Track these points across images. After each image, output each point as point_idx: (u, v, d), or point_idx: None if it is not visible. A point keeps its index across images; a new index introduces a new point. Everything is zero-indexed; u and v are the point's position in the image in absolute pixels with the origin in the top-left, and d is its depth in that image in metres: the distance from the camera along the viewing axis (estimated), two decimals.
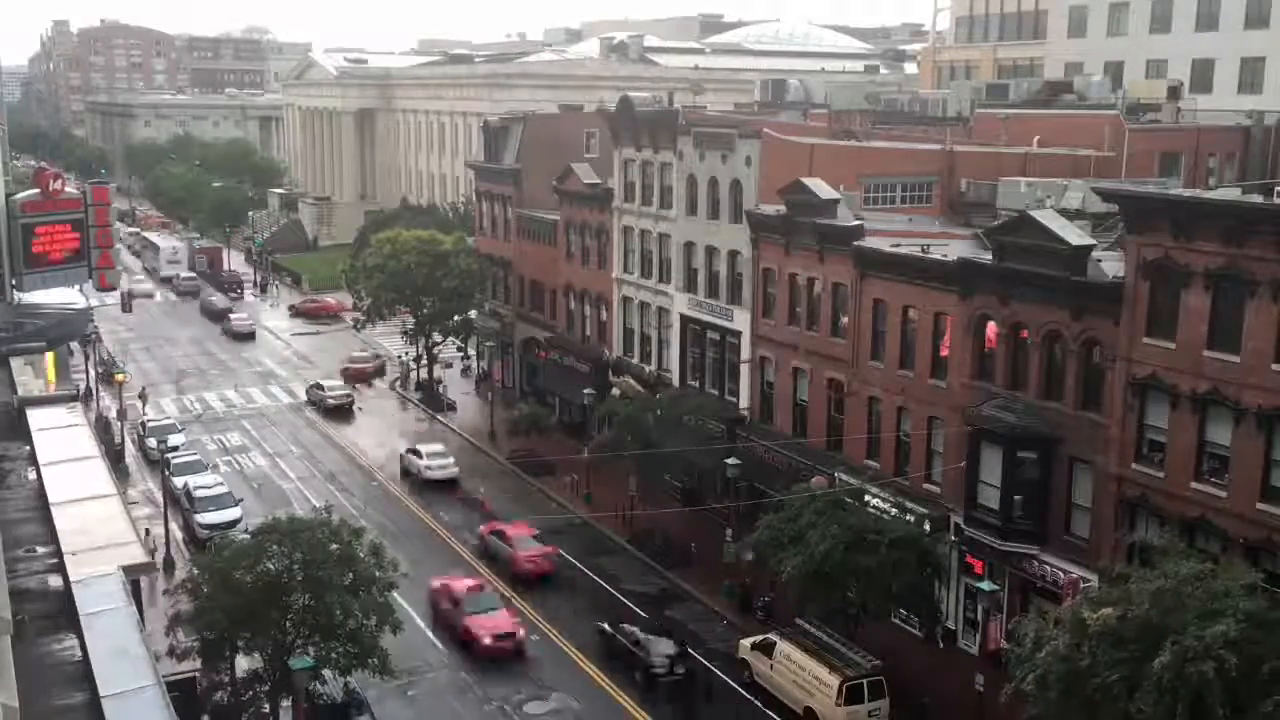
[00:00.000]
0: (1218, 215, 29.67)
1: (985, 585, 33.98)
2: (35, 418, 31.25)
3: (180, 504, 48.24)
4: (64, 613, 20.22)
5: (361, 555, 30.17)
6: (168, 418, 62.62)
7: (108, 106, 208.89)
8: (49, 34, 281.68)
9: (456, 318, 68.94)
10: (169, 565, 42.83)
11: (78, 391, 55.31)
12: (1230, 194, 33.02)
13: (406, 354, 71.81)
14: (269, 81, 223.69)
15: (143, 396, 60.33)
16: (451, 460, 55.20)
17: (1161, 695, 21.82)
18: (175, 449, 52.36)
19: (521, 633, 38.49)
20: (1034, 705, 24.48)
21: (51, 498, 25.16)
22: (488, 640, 37.62)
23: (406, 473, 55.29)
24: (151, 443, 55.61)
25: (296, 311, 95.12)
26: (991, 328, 35.89)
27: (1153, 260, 31.09)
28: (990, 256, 36.09)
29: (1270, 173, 53.58)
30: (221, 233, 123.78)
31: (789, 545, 34.74)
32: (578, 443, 54.68)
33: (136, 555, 23.37)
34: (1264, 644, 22.39)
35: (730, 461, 43.03)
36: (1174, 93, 59.30)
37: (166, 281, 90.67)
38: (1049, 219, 34.65)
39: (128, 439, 57.51)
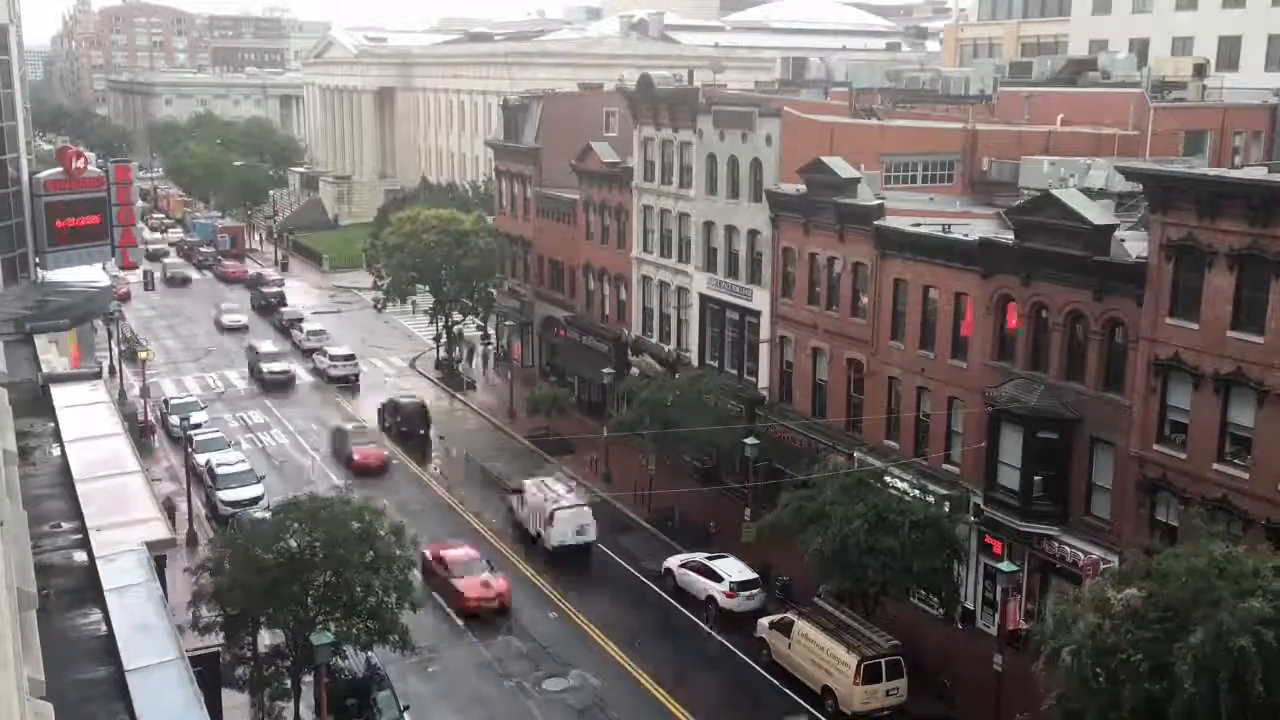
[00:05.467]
0: (1243, 194, 29.36)
1: (1004, 566, 33.89)
2: (59, 395, 31.56)
3: (203, 481, 48.62)
4: (88, 587, 20.46)
5: (382, 533, 30.37)
6: (190, 395, 63.09)
7: (129, 85, 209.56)
8: (71, 13, 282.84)
9: (476, 296, 69.09)
10: (191, 541, 43.21)
11: (110, 368, 55.83)
12: (1256, 173, 32.65)
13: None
14: (289, 60, 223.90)
15: (144, 391, 60.04)
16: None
17: (1200, 674, 21.62)
18: (198, 426, 52.69)
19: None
20: (1058, 682, 24.34)
21: (76, 474, 25.43)
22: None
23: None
24: (174, 420, 55.99)
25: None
26: (1013, 308, 35.72)
27: (1176, 240, 30.82)
28: (1012, 236, 35.85)
29: None
30: (243, 212, 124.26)
31: (810, 523, 34.78)
32: (597, 422, 54.76)
33: (160, 531, 23.64)
34: None
35: (749, 441, 43.02)
36: (1200, 70, 58.56)
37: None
38: (1071, 198, 34.39)
39: (150, 416, 57.97)
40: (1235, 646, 21.26)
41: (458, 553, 41.16)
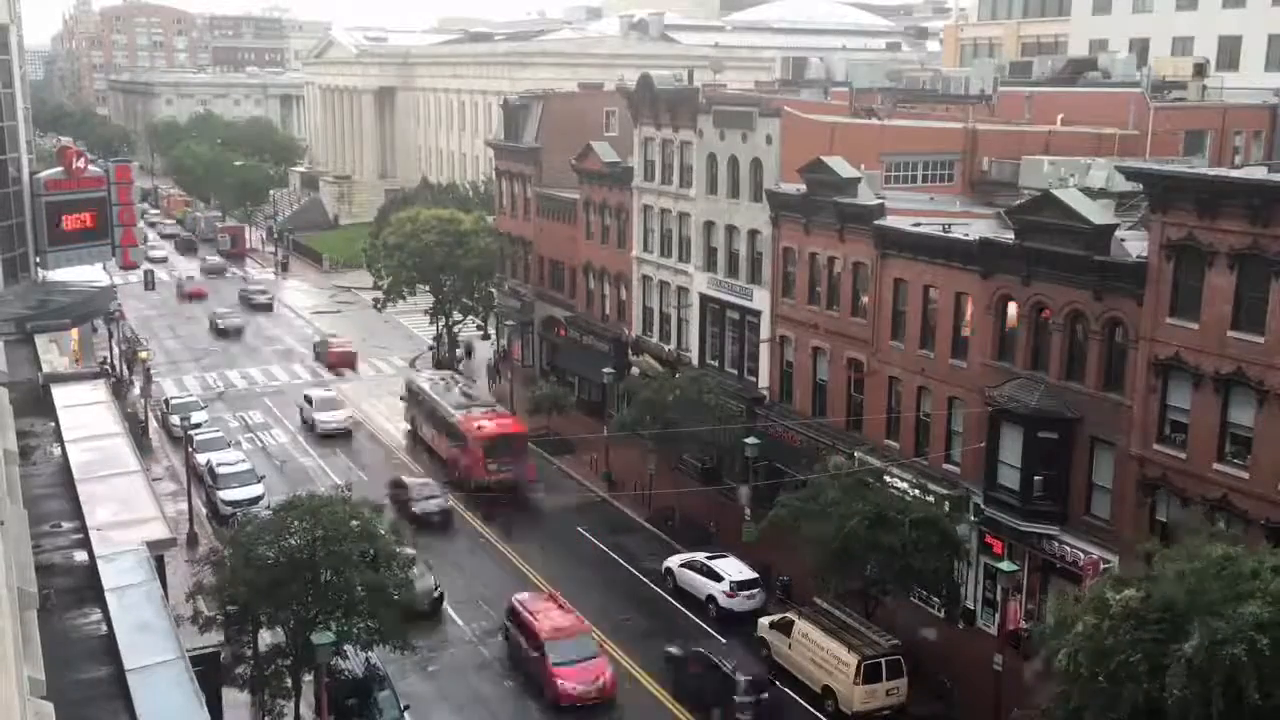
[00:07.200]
0: (1243, 194, 29.36)
1: (1005, 565, 33.89)
2: (60, 395, 31.58)
3: (203, 481, 48.61)
4: (89, 587, 20.47)
5: (382, 532, 30.38)
6: (190, 395, 63.08)
7: (130, 85, 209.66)
8: (71, 12, 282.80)
9: (476, 296, 69.10)
10: (192, 541, 43.21)
11: (103, 368, 55.90)
12: (1256, 173, 32.64)
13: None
14: (289, 60, 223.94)
15: (144, 390, 60.00)
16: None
17: (1192, 679, 21.65)
18: (198, 426, 52.67)
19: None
20: (1058, 683, 24.35)
21: (76, 474, 25.45)
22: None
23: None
24: (175, 420, 56.00)
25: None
26: (1013, 307, 35.72)
27: (1177, 240, 30.82)
28: (1012, 236, 35.85)
29: None
30: (243, 211, 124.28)
31: (811, 521, 34.76)
32: (597, 422, 54.75)
33: (160, 531, 23.64)
34: None
35: (749, 441, 43.02)
36: (1200, 70, 58.58)
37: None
38: (1072, 198, 34.38)
39: (150, 416, 57.98)
40: (1228, 655, 21.23)
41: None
